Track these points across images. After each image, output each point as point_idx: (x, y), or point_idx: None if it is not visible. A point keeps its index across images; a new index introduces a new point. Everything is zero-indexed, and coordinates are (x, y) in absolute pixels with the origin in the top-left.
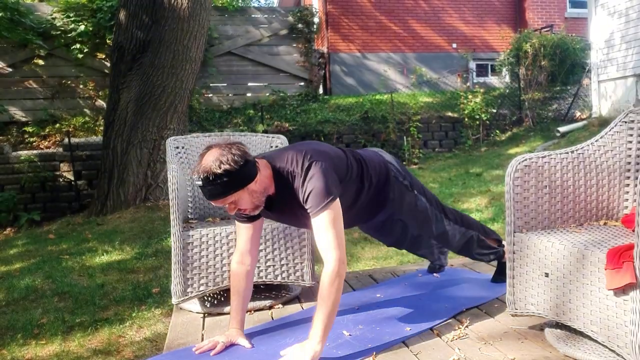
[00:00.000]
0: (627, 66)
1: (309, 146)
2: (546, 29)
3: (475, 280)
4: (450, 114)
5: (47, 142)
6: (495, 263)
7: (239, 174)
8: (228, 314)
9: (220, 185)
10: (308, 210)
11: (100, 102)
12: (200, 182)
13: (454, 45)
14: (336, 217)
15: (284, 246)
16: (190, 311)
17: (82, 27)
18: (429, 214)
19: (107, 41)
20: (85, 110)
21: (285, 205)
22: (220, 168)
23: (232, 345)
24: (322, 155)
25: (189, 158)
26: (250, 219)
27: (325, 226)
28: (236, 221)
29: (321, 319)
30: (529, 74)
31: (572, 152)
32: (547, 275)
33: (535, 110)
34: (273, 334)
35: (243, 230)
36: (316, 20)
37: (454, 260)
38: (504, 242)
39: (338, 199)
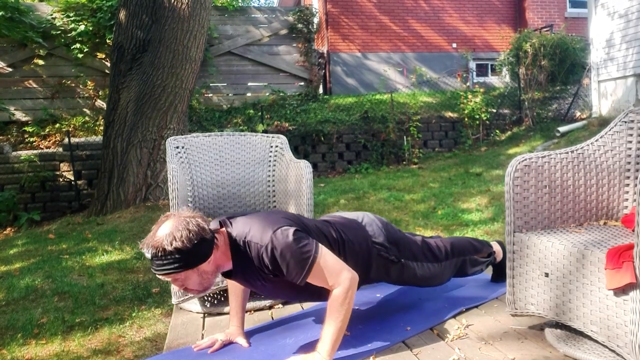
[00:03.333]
0: (627, 66)
1: (275, 215)
2: (546, 29)
3: (475, 280)
4: (450, 113)
5: (47, 142)
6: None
7: (191, 253)
8: (228, 313)
9: (168, 262)
10: (294, 281)
11: (100, 102)
12: (148, 255)
13: (454, 45)
14: (325, 262)
15: None
16: (190, 311)
17: (82, 27)
18: (419, 275)
19: (107, 41)
20: (85, 110)
21: (245, 275)
22: (171, 245)
23: (230, 344)
24: (286, 221)
25: (189, 158)
26: None
27: (319, 278)
28: None
29: (330, 333)
30: (529, 74)
31: (572, 152)
32: (547, 275)
33: (535, 110)
34: (273, 333)
35: None
36: (316, 20)
37: None
38: (492, 250)
39: (319, 246)
